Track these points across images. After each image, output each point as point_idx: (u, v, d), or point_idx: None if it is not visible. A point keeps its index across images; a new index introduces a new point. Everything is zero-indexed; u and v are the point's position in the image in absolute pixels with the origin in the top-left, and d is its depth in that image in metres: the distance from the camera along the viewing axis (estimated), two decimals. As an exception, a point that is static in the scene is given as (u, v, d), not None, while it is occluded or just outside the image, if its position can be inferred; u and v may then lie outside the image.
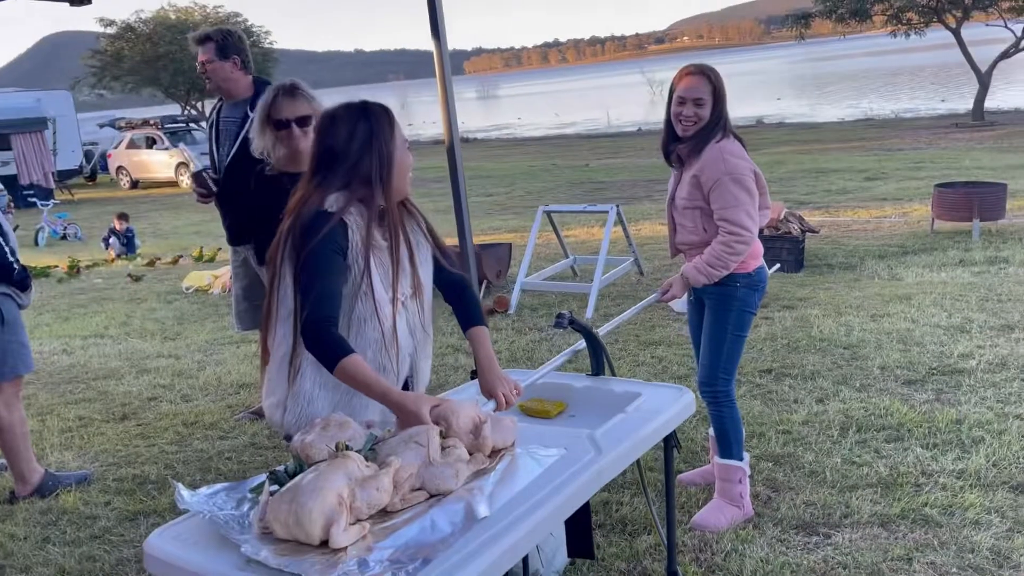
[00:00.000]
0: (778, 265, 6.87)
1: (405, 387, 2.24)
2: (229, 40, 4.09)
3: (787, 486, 3.41)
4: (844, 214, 9.53)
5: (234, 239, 4.27)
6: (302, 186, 2.12)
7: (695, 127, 3.06)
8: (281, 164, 3.21)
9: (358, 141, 2.09)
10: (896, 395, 4.22)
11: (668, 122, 3.15)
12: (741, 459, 3.23)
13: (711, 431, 3.52)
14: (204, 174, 4.15)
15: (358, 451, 1.79)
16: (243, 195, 3.74)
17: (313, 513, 1.56)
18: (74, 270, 9.80)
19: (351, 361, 1.94)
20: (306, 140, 3.07)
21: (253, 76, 4.22)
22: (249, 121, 3.89)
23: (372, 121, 2.11)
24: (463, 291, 2.35)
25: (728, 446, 3.21)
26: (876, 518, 3.12)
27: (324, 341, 1.96)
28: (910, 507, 3.17)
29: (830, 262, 7.24)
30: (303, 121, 3.15)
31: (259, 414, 4.52)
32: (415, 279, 2.18)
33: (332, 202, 2.07)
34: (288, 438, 2.11)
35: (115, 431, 4.58)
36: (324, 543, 1.58)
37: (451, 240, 7.42)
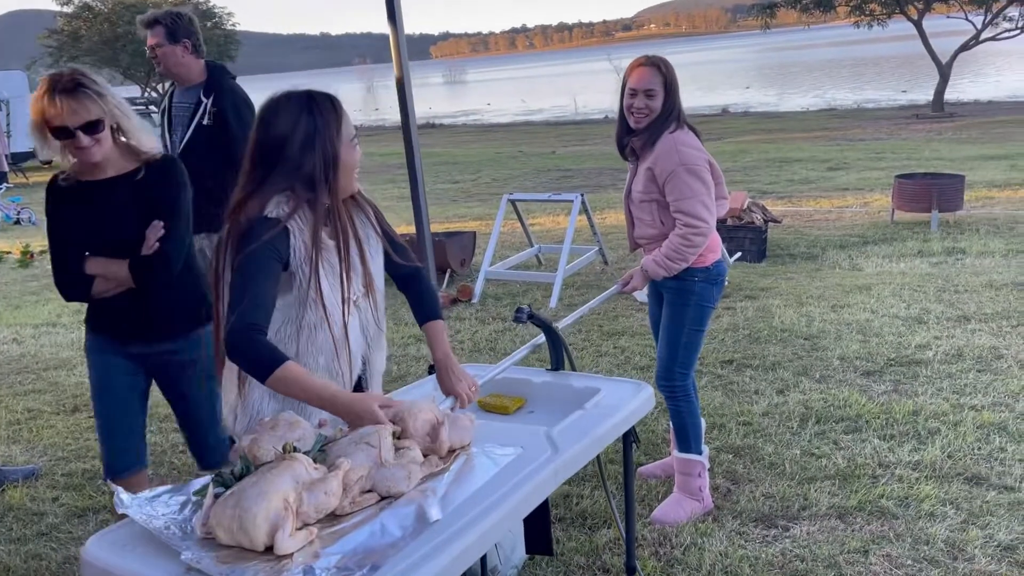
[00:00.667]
0: (739, 254, 6.91)
1: (358, 386, 2.18)
2: (179, 23, 3.96)
3: (747, 478, 3.42)
4: (806, 204, 9.61)
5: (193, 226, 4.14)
6: (241, 182, 2.00)
7: (647, 119, 3.03)
8: (79, 174, 2.58)
9: (300, 139, 1.96)
10: (855, 386, 4.25)
11: (621, 115, 3.12)
12: (700, 453, 3.23)
13: (671, 423, 3.52)
14: None
15: (307, 452, 1.73)
16: (196, 182, 3.73)
17: (258, 518, 1.50)
18: (27, 256, 9.54)
19: (287, 369, 1.81)
20: (102, 148, 2.47)
21: (206, 60, 4.09)
22: (203, 107, 3.86)
23: (316, 116, 1.98)
24: (418, 284, 2.27)
25: (686, 440, 3.21)
26: (834, 510, 3.14)
27: (251, 350, 1.83)
28: (867, 499, 3.19)
29: (792, 252, 7.29)
30: (92, 128, 2.44)
31: None
32: (367, 276, 2.10)
33: (274, 207, 1.95)
34: (233, 442, 2.05)
35: (65, 424, 4.46)
36: (269, 549, 1.52)
37: (410, 228, 7.37)
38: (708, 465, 3.28)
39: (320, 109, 2.00)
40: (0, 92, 20.57)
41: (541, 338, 2.66)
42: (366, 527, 1.60)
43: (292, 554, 1.51)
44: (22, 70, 25.40)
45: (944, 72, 20.18)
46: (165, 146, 4.12)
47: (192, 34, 3.97)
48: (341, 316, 2.04)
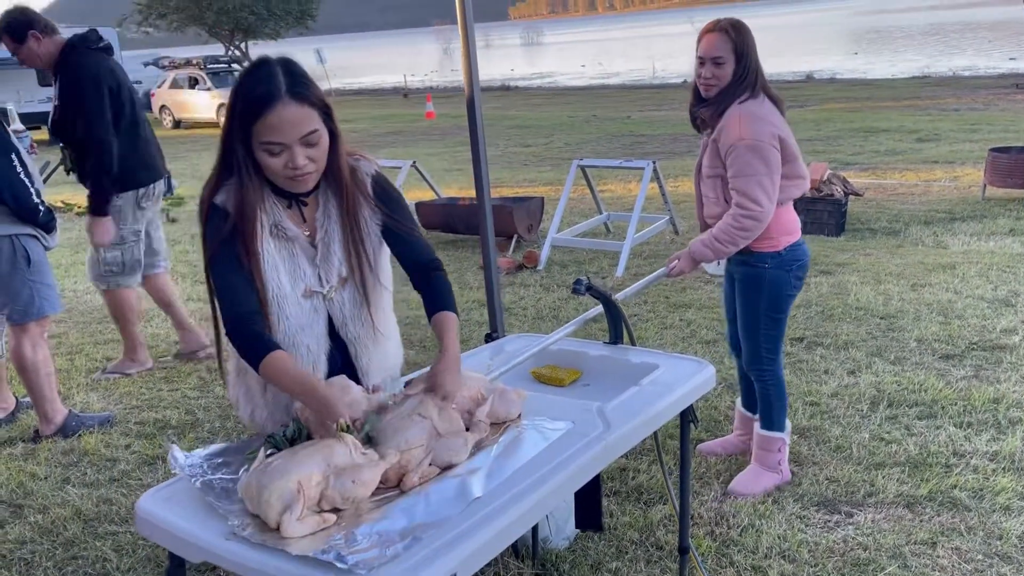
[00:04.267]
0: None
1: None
2: (14, 23, 4.16)
3: (811, 460, 3.31)
4: (891, 176, 9.21)
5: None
6: (217, 155, 1.89)
7: (716, 89, 2.87)
8: None
9: (225, 128, 1.81)
10: (932, 370, 4.07)
11: (694, 84, 2.98)
12: (783, 430, 3.14)
13: (738, 401, 3.43)
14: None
15: (360, 432, 1.70)
16: (75, 155, 4.19)
17: (272, 496, 1.48)
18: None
19: (272, 358, 1.74)
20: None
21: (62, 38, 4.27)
22: (57, 84, 4.15)
23: (239, 99, 1.77)
24: (430, 275, 2.01)
25: (770, 418, 3.13)
26: (902, 499, 3.02)
27: (244, 340, 1.79)
28: (938, 489, 3.06)
29: (873, 227, 7.01)
30: None
31: (117, 372, 4.64)
32: (348, 264, 1.95)
33: (222, 196, 1.85)
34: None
35: (140, 374, 4.62)
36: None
37: (470, 193, 7.31)
38: (788, 440, 3.19)
39: (250, 92, 1.77)
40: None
41: (593, 311, 2.60)
42: (410, 499, 1.59)
43: (299, 537, 1.47)
44: (113, 27, 26.15)
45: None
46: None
47: (33, 22, 4.16)
48: (284, 307, 1.91)
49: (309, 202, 1.95)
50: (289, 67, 1.80)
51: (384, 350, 2.11)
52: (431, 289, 1.99)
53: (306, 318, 1.95)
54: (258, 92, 1.75)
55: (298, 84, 1.78)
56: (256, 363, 1.77)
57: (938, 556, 2.70)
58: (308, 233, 1.95)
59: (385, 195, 2.01)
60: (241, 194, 1.84)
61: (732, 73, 2.84)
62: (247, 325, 1.81)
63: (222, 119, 1.85)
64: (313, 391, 1.73)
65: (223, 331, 1.86)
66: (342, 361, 2.04)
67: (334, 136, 1.87)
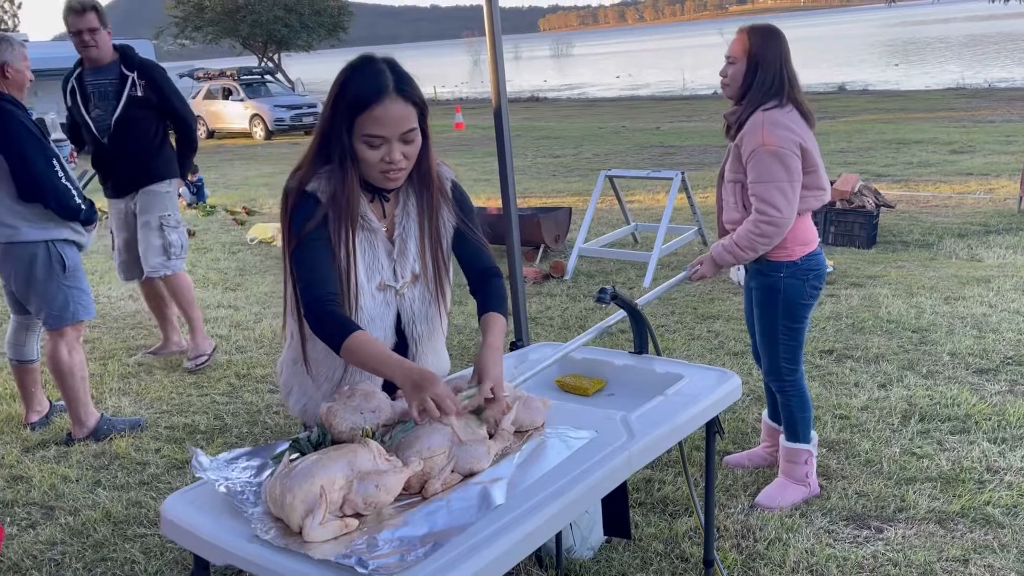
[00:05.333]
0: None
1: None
2: (102, 10, 4.51)
3: (840, 475, 3.27)
4: (924, 189, 9.08)
5: (121, 191, 4.70)
6: (311, 141, 1.94)
7: (728, 88, 2.89)
8: None
9: (326, 119, 1.86)
10: (965, 384, 4.00)
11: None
12: (808, 441, 3.11)
13: (764, 413, 3.40)
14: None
15: (383, 438, 1.71)
16: (130, 149, 4.53)
17: (296, 499, 1.49)
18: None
19: (355, 338, 1.78)
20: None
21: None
22: (130, 82, 4.47)
23: (347, 92, 1.83)
24: (490, 280, 2.07)
25: (795, 430, 3.09)
26: (933, 515, 2.96)
27: (324, 323, 1.82)
28: (971, 505, 3.00)
29: (905, 239, 6.91)
30: None
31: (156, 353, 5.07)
32: (422, 262, 2.01)
33: (315, 182, 1.90)
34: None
35: (170, 379, 4.68)
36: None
37: (498, 203, 7.34)
38: (815, 452, 3.15)
39: (353, 84, 1.83)
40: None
41: (614, 317, 2.58)
42: (431, 506, 1.59)
43: (321, 542, 1.47)
44: (149, 39, 26.62)
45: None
46: (78, 120, 4.62)
47: (107, 19, 4.53)
48: (359, 298, 1.94)
49: (390, 198, 2.01)
50: (394, 66, 1.87)
51: (441, 353, 2.17)
52: (486, 293, 2.05)
53: (378, 310, 2.00)
54: (368, 86, 1.81)
55: (404, 82, 1.85)
56: (338, 343, 1.80)
57: (970, 573, 2.65)
58: (386, 228, 2.00)
59: (462, 200, 2.09)
60: (340, 182, 1.89)
61: (742, 74, 2.83)
62: (328, 306, 1.83)
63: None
64: (401, 364, 1.77)
65: (296, 314, 1.91)
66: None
67: (425, 137, 1.93)
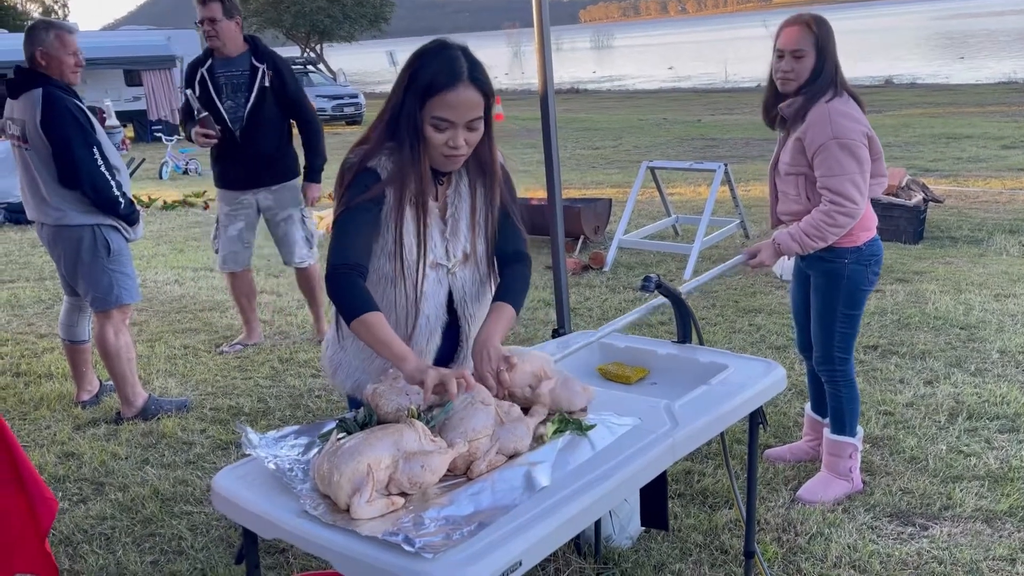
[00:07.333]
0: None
1: (444, 362, 2.14)
2: (229, 2, 4.46)
3: (884, 471, 3.22)
4: (974, 184, 8.88)
5: (248, 184, 4.66)
6: (377, 119, 1.97)
7: (794, 83, 2.83)
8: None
9: (397, 98, 1.88)
10: (1015, 382, 3.91)
11: (771, 79, 2.94)
12: (854, 435, 3.07)
13: (807, 406, 3.36)
14: (209, 118, 4.49)
15: (429, 419, 1.73)
16: (261, 142, 4.51)
17: (343, 477, 1.51)
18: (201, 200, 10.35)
19: (370, 316, 1.79)
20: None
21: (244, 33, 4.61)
22: (260, 73, 4.46)
23: (421, 74, 1.85)
24: (511, 266, 2.07)
25: (841, 422, 3.06)
26: (980, 513, 2.91)
27: (343, 290, 1.83)
28: (1019, 504, 2.94)
29: (953, 235, 6.77)
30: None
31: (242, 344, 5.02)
32: (472, 244, 2.04)
33: (376, 160, 1.93)
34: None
35: (215, 362, 4.76)
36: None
37: (537, 193, 7.30)
38: (860, 447, 3.12)
39: (427, 68, 1.86)
40: (175, 50, 21.96)
41: (656, 301, 2.55)
42: (476, 486, 1.60)
43: (367, 519, 1.49)
44: (194, 29, 27.00)
45: None
46: (199, 110, 4.51)
47: (239, 10, 4.51)
48: (418, 277, 1.98)
49: (444, 180, 2.04)
50: (468, 53, 1.90)
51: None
52: (508, 277, 2.06)
53: (430, 287, 2.03)
54: (443, 71, 1.84)
55: (477, 70, 1.88)
56: (352, 314, 1.82)
57: (1017, 573, 2.60)
58: (439, 208, 2.03)
59: (508, 184, 2.11)
60: (410, 163, 1.90)
61: (812, 68, 2.79)
62: (349, 275, 1.85)
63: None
64: (409, 351, 1.79)
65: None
66: (455, 338, 2.12)
67: (488, 127, 1.96)
